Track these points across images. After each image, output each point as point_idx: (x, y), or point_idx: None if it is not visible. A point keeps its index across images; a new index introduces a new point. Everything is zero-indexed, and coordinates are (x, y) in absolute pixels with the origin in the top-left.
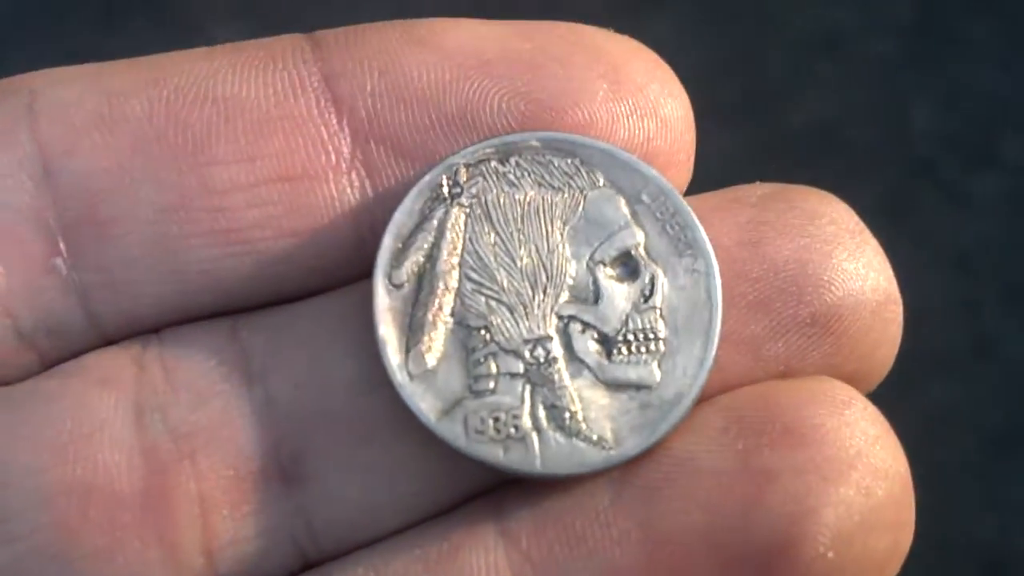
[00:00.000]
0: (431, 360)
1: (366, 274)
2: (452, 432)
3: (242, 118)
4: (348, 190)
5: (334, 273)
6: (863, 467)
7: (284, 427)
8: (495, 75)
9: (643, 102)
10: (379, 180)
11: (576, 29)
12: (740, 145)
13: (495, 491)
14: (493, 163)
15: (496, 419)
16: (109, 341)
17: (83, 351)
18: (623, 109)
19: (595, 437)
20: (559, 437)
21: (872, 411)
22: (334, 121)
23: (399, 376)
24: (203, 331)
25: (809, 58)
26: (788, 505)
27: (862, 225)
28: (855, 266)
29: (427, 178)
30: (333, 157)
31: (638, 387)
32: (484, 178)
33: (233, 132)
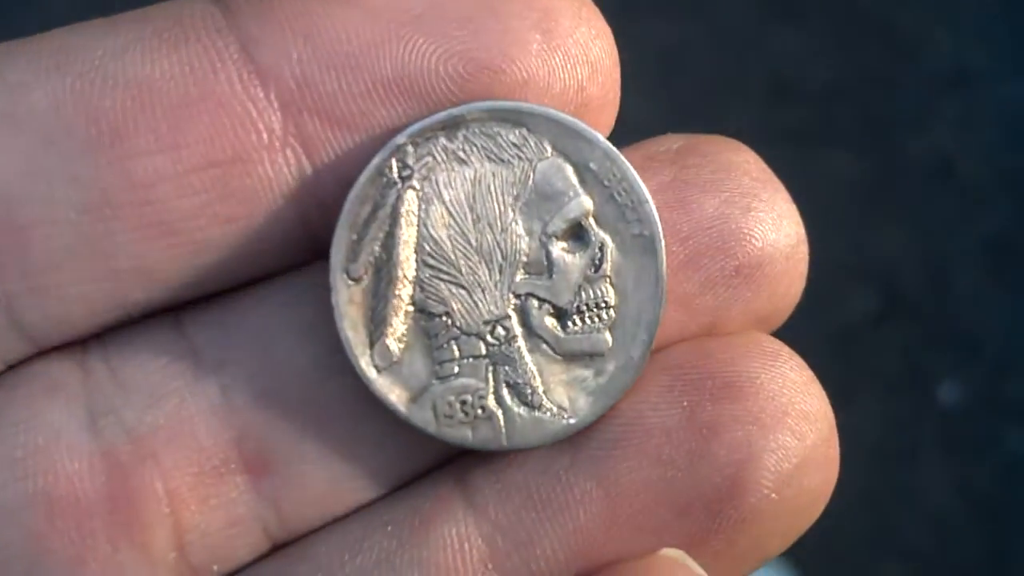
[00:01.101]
0: (396, 351)
1: (314, 255)
2: (423, 419)
3: (159, 102)
4: (285, 169)
5: (279, 257)
6: (795, 413)
7: (244, 418)
8: (427, 32)
9: (575, 48)
10: (318, 154)
11: None
12: (853, 169)
13: (456, 461)
14: (441, 139)
15: (463, 402)
16: (42, 350)
17: (16, 362)
18: (557, 60)
19: (555, 408)
20: (523, 412)
21: (797, 360)
22: (260, 95)
23: (366, 370)
24: (146, 329)
25: (935, 93)
26: (732, 454)
27: (770, 172)
28: (771, 216)
29: (375, 161)
30: (265, 135)
31: (592, 355)
32: (433, 156)
33: (151, 118)
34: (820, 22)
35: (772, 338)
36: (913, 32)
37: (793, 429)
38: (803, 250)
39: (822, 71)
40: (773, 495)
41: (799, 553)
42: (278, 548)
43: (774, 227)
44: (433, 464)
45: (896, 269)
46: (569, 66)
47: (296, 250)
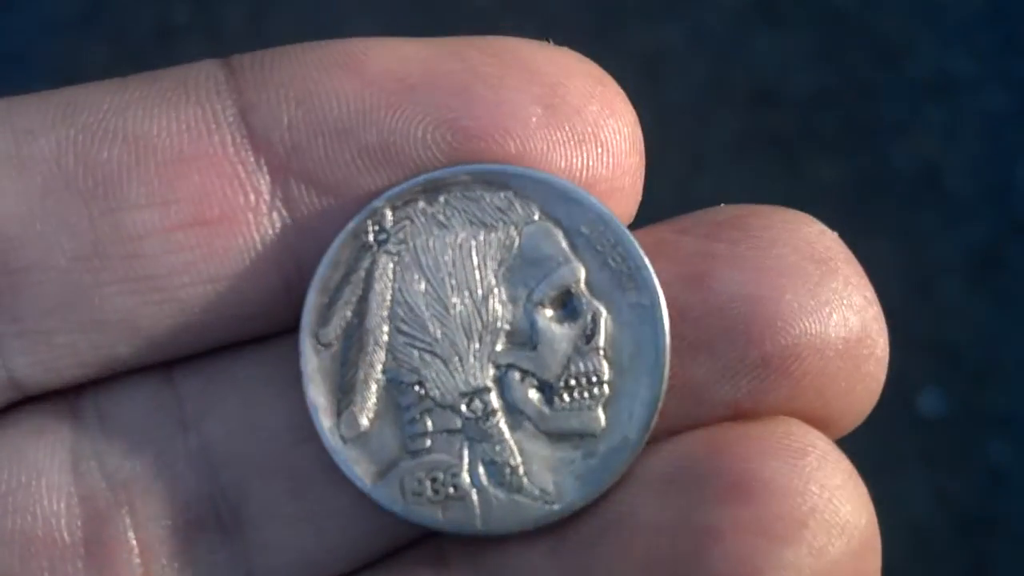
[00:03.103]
0: (364, 421)
1: (297, 319)
2: (388, 497)
3: (154, 158)
4: (270, 231)
5: (261, 319)
6: (816, 524)
7: (220, 474)
8: (419, 101)
9: (581, 126)
10: (302, 219)
11: (511, 45)
12: (836, 176)
13: (431, 540)
14: (420, 203)
15: (434, 479)
16: (25, 395)
17: (3, 406)
18: (559, 136)
19: (537, 492)
20: (499, 494)
21: (834, 457)
22: (251, 158)
23: (332, 440)
24: (139, 376)
25: (920, 102)
26: (730, 568)
27: (836, 250)
28: (815, 302)
29: (351, 225)
30: (252, 197)
31: (582, 435)
32: (412, 220)
33: (145, 173)
34: (804, 29)
35: (806, 427)
36: (897, 39)
37: (811, 544)
38: (871, 347)
39: (805, 78)
40: None
41: None
42: None
43: (818, 315)
44: (407, 542)
45: (878, 278)
46: (573, 143)
47: (277, 312)
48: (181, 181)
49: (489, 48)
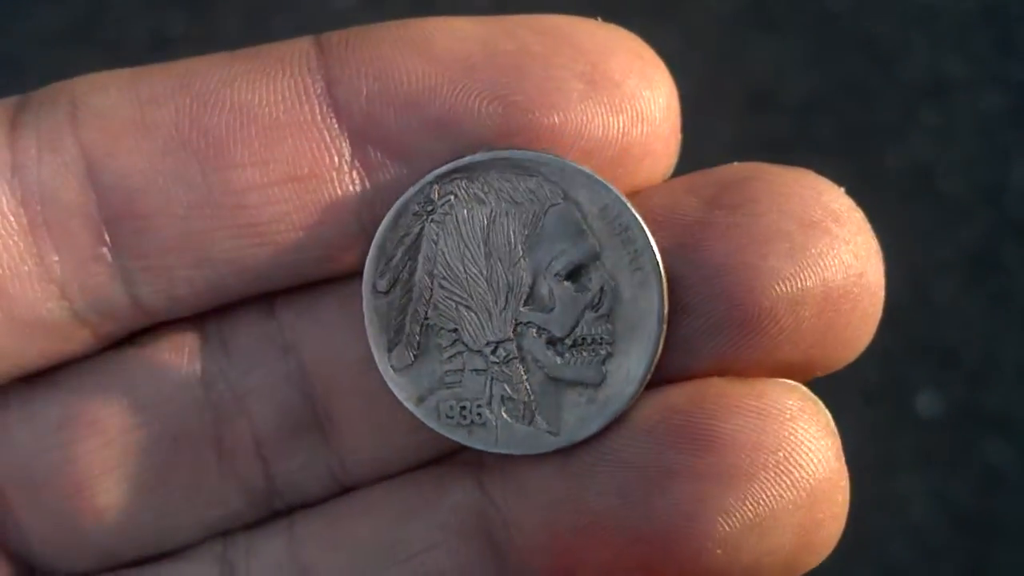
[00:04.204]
0: (410, 357)
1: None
2: (428, 417)
3: (255, 124)
4: (350, 188)
5: (340, 260)
6: (765, 477)
7: (312, 390)
8: (477, 78)
9: (618, 98)
10: (376, 178)
11: (560, 23)
12: (832, 179)
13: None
14: (463, 182)
15: (463, 407)
16: (154, 320)
17: (132, 328)
18: (597, 108)
19: (544, 425)
20: (514, 424)
21: (805, 417)
22: (335, 125)
23: (385, 369)
24: (248, 309)
25: (914, 103)
26: (683, 504)
27: (830, 210)
28: (795, 267)
29: (406, 196)
30: (336, 159)
31: (585, 385)
32: (455, 196)
33: (248, 137)
34: (797, 32)
35: (781, 388)
36: (891, 42)
37: (756, 494)
38: (855, 300)
39: (799, 81)
40: (719, 551)
41: None
42: (339, 492)
43: (795, 277)
44: (452, 450)
45: None
46: (610, 114)
47: (358, 255)
48: (277, 144)
49: (540, 27)
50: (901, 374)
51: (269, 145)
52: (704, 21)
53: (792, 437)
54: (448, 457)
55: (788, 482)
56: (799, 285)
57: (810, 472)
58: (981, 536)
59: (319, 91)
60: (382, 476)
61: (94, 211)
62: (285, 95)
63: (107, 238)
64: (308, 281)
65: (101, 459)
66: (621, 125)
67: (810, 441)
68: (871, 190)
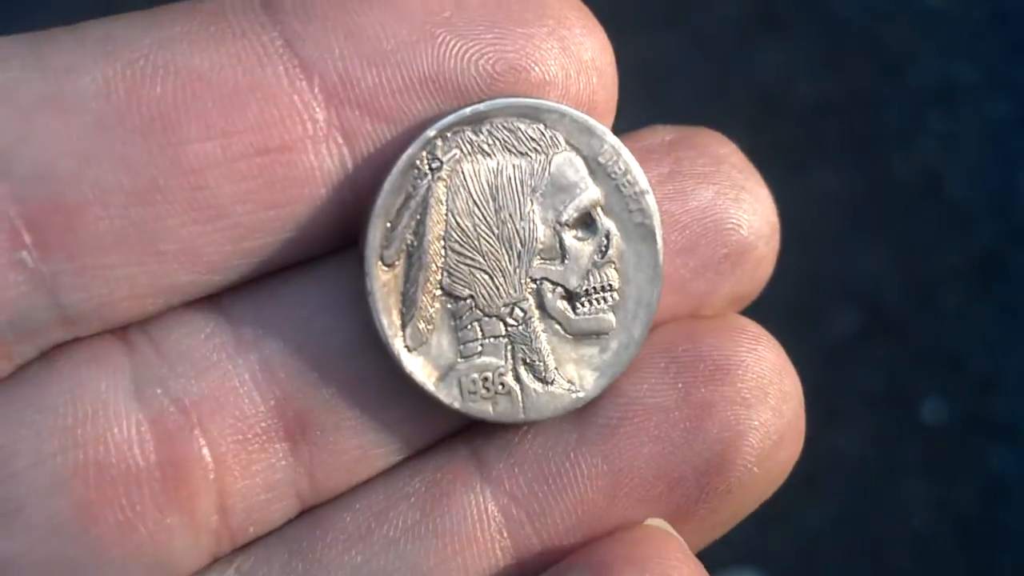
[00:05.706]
0: (425, 332)
1: (346, 241)
2: (449, 395)
3: (209, 92)
4: (328, 159)
5: (316, 243)
6: (775, 393)
7: (284, 388)
8: (460, 34)
9: (586, 56)
10: (358, 146)
11: None
12: (840, 185)
13: (466, 431)
14: (467, 133)
15: (485, 379)
16: (80, 335)
17: (54, 347)
18: (573, 66)
19: (566, 384)
20: (538, 388)
21: (775, 343)
22: (306, 87)
23: (399, 351)
24: (185, 307)
25: (922, 110)
26: (723, 432)
27: (751, 164)
28: (756, 205)
29: (408, 153)
30: (310, 126)
31: (598, 334)
32: (460, 149)
33: (202, 108)
34: (805, 38)
35: (752, 322)
36: (899, 48)
37: (773, 408)
38: (777, 236)
39: (807, 87)
40: (755, 468)
41: (780, 570)
42: (305, 512)
43: (758, 216)
44: (448, 433)
45: (881, 286)
46: (583, 72)
47: (332, 236)
48: (239, 113)
49: None
50: (907, 381)
51: (228, 115)
52: (713, 28)
53: (776, 360)
54: (427, 452)
55: (787, 395)
56: (760, 223)
57: (796, 390)
58: (985, 544)
59: (279, 50)
60: (349, 487)
61: (8, 208)
62: (240, 57)
63: (26, 239)
64: (273, 268)
65: (11, 498)
66: (591, 81)
67: (787, 361)
68: (878, 196)
